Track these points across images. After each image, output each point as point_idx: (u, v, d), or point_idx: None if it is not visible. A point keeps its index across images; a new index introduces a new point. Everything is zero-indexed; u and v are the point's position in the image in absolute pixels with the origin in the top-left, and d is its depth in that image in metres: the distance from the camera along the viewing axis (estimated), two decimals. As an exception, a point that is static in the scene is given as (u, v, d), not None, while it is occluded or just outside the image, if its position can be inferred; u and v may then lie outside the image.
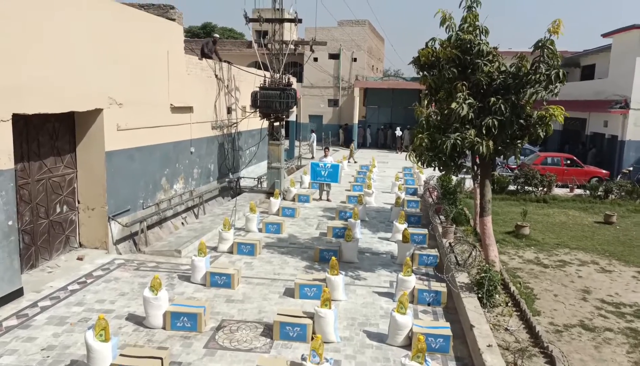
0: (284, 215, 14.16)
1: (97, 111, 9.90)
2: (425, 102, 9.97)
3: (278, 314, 7.08)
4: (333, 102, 36.55)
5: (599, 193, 17.71)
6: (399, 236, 11.35)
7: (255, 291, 8.64)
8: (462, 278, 8.57)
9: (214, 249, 10.91)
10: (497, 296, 8.02)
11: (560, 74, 8.08)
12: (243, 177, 18.26)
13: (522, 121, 8.51)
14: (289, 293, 8.57)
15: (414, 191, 18.21)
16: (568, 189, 19.03)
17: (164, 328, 7.11)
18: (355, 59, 35.48)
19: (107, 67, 9.94)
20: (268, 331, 7.10)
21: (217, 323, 7.37)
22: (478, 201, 12.78)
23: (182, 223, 13.49)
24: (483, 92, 8.78)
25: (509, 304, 8.15)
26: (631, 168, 21.25)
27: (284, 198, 16.39)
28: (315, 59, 35.30)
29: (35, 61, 8.15)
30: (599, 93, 24.89)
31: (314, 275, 9.12)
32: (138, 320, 7.34)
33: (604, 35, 24.49)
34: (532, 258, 10.88)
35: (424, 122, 9.13)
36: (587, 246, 11.88)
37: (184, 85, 13.19)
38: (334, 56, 35.66)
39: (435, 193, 15.36)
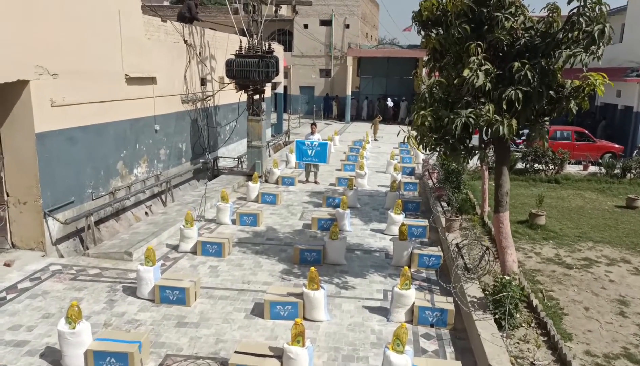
0: (264, 202, 12.39)
1: (22, 83, 7.97)
2: (427, 69, 8.11)
3: (235, 352, 5.37)
4: (325, 73, 34.37)
5: (615, 172, 15.98)
6: (395, 229, 9.64)
7: (216, 309, 6.93)
8: (473, 289, 6.89)
9: (175, 248, 9.18)
10: (518, 315, 6.37)
11: (606, 30, 6.19)
12: (222, 157, 16.40)
13: (552, 92, 6.67)
14: (258, 310, 6.87)
15: (412, 170, 16.41)
16: (581, 167, 17.27)
17: (86, 370, 5.43)
18: (348, 26, 33.17)
19: (33, 27, 7.95)
20: (224, 372, 5.43)
21: (158, 360, 5.68)
22: (486, 186, 11.08)
23: (146, 213, 11.71)
24: (502, 56, 6.89)
25: (532, 324, 6.51)
26: (648, 143, 19.48)
27: (266, 181, 14.60)
28: (306, 26, 33.03)
29: None
30: (611, 60, 22.85)
31: (291, 286, 7.43)
32: (56, 358, 5.64)
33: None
34: (551, 255, 9.20)
35: (426, 95, 7.26)
36: (613, 239, 10.20)
37: (142, 51, 11.18)
38: (326, 23, 33.31)
39: (436, 174, 13.59)
